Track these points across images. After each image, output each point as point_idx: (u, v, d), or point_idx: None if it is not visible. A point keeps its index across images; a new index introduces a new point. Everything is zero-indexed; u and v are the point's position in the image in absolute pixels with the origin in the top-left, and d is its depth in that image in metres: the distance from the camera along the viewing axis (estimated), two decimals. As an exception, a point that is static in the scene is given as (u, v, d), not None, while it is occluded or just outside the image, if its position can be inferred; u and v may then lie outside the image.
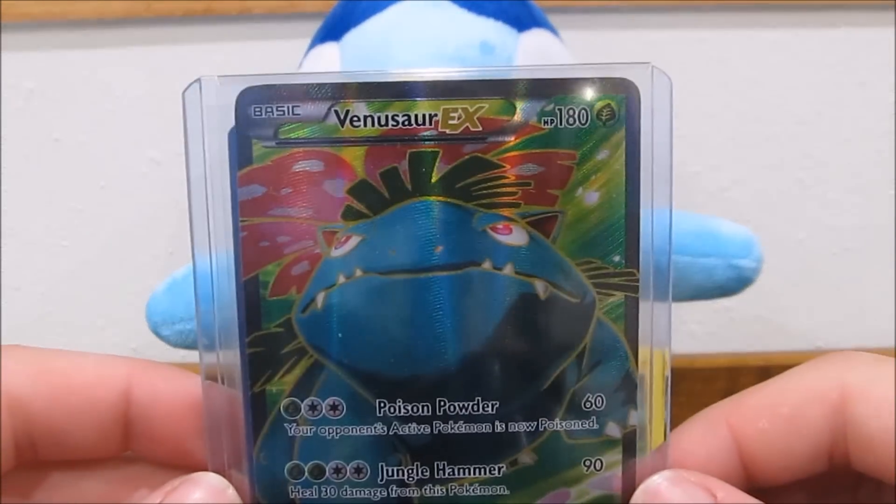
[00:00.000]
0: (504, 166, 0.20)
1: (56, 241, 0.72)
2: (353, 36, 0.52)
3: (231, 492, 0.20)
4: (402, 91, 0.19)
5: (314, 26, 0.57)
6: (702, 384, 0.71)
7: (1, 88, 0.69)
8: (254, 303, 0.20)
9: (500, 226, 0.20)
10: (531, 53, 0.52)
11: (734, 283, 0.57)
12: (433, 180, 0.20)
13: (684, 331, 0.74)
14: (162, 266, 0.72)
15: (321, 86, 0.19)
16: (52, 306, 0.73)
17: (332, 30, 0.54)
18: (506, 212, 0.20)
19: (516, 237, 0.20)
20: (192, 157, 0.20)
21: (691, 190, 0.72)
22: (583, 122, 0.19)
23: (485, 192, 0.20)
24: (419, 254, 0.20)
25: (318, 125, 0.19)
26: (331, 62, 0.52)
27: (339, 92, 0.19)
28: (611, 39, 0.68)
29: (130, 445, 0.21)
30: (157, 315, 0.54)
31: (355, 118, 0.19)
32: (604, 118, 0.19)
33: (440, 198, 0.20)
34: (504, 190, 0.20)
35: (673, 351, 0.64)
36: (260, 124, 0.19)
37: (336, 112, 0.19)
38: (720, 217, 0.59)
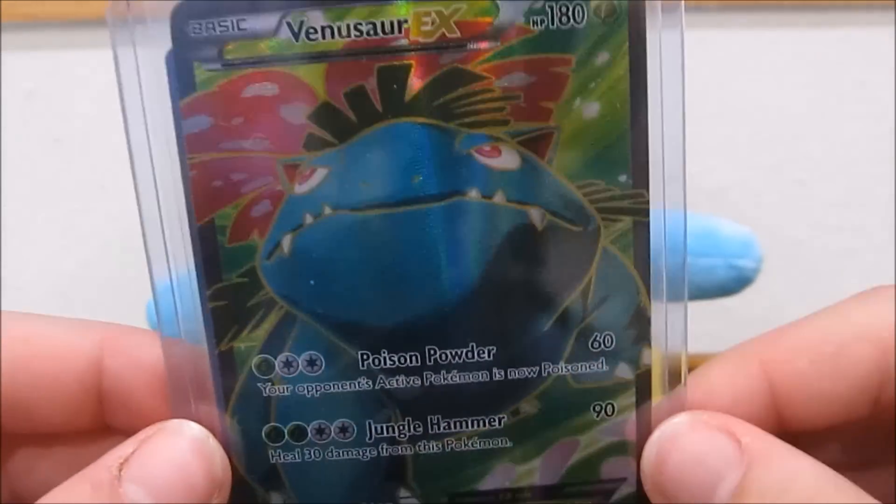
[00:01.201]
0: (488, 77, 0.17)
1: (56, 241, 0.71)
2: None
3: (213, 441, 0.18)
4: None
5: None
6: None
7: (1, 88, 0.67)
8: (212, 251, 0.18)
9: (486, 147, 0.17)
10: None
11: (734, 283, 0.56)
12: (407, 99, 0.17)
13: (684, 330, 0.73)
14: (162, 267, 0.71)
15: (269, -6, 0.17)
16: (52, 306, 0.72)
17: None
18: (493, 131, 0.17)
19: (506, 160, 0.17)
20: (126, 88, 0.17)
21: (691, 190, 0.70)
22: (578, 20, 0.17)
23: (467, 109, 0.17)
24: (395, 185, 0.17)
25: (268, 41, 0.17)
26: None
27: (290, 0, 0.17)
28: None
29: (105, 417, 0.19)
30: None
31: (311, 30, 0.16)
32: (602, 15, 0.17)
33: (416, 119, 0.17)
34: (490, 105, 0.17)
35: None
36: (201, 44, 0.17)
37: (289, 24, 0.16)
38: (720, 217, 0.58)
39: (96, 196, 0.70)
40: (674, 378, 0.19)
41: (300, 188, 0.17)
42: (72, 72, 0.67)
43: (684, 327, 0.19)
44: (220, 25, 0.17)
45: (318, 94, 0.17)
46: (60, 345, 0.19)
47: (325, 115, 0.17)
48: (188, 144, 0.17)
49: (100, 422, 0.19)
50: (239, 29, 0.17)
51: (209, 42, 0.17)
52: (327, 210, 0.17)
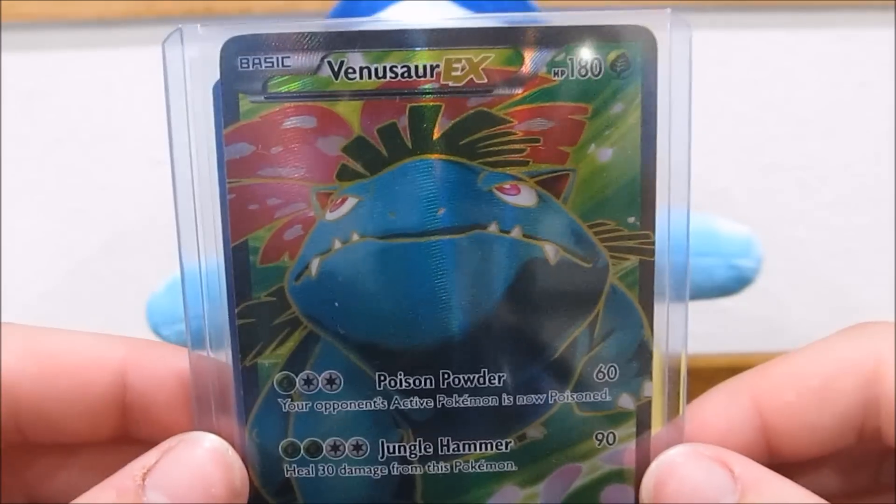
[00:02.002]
0: (511, 121, 0.18)
1: (56, 241, 0.71)
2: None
3: (233, 452, 0.19)
4: (401, 40, 0.18)
5: (312, 28, 0.56)
6: (702, 384, 0.70)
7: (1, 88, 0.68)
8: (243, 270, 0.19)
9: (507, 185, 0.18)
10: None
11: (734, 283, 0.56)
12: (435, 137, 0.18)
13: (684, 331, 0.73)
14: (162, 266, 0.71)
15: (314, 34, 0.18)
16: (52, 306, 0.72)
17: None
18: (513, 170, 0.18)
19: (525, 198, 0.19)
20: (175, 114, 0.18)
21: (691, 190, 0.71)
22: (595, 72, 0.18)
23: (491, 149, 0.18)
24: (421, 216, 0.18)
25: (309, 77, 0.18)
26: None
27: (332, 41, 0.18)
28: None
29: (127, 429, 0.20)
30: (157, 315, 0.54)
31: (350, 70, 0.18)
32: (618, 69, 0.18)
33: (443, 156, 0.18)
34: (511, 147, 0.18)
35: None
36: (247, 77, 0.18)
37: (329, 63, 0.18)
38: (720, 217, 0.59)
39: (96, 196, 0.70)
40: (672, 410, 0.20)
41: (331, 215, 0.18)
42: (72, 72, 0.68)
43: (684, 358, 0.20)
44: (266, 61, 0.18)
45: (354, 128, 0.18)
46: (86, 359, 0.19)
47: (359, 148, 0.18)
48: (229, 169, 0.18)
49: (122, 433, 0.20)
50: (283, 65, 0.18)
51: (255, 76, 0.18)
52: (355, 237, 0.18)
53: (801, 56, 0.69)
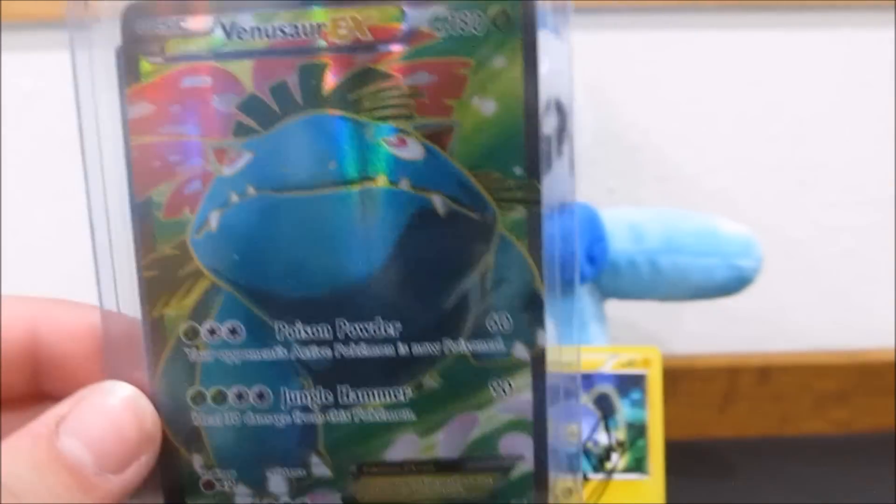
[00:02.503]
0: (396, 76, 0.19)
1: (56, 241, 0.72)
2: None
3: (144, 399, 0.20)
4: (288, 1, 0.19)
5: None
6: (702, 384, 0.70)
7: (1, 88, 0.69)
8: (148, 224, 0.20)
9: (394, 139, 0.19)
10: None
11: (734, 283, 0.56)
12: (324, 93, 0.19)
13: (684, 331, 0.73)
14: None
15: (207, -2, 0.19)
16: None
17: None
18: (399, 124, 0.19)
19: (411, 150, 0.19)
20: (80, 77, 0.19)
21: (691, 190, 0.71)
22: (477, 28, 0.19)
23: (377, 104, 0.19)
24: (312, 170, 0.19)
25: (204, 39, 0.19)
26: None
27: (224, 4, 0.19)
28: (611, 39, 0.68)
29: (40, 386, 0.21)
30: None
31: (242, 30, 0.19)
32: (499, 24, 0.19)
33: (332, 111, 0.19)
34: (397, 101, 0.19)
35: (673, 351, 0.64)
36: (147, 40, 0.19)
37: (222, 24, 0.19)
38: (720, 217, 0.59)
39: None
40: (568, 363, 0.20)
41: (227, 170, 0.19)
42: (71, 72, 0.69)
43: (573, 314, 0.20)
44: (164, 24, 0.19)
45: (247, 86, 0.19)
46: None
47: (252, 105, 0.19)
48: (132, 127, 0.19)
49: (35, 390, 0.21)
50: (179, 28, 0.19)
51: (153, 38, 0.19)
52: (251, 190, 0.19)
53: (801, 56, 0.69)
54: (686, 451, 0.65)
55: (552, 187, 0.19)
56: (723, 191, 0.72)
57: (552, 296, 0.20)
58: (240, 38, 0.19)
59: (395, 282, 0.20)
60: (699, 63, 0.69)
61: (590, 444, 0.49)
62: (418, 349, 0.20)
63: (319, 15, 0.19)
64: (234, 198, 0.19)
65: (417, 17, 0.19)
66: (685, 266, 0.56)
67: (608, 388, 0.50)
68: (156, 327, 0.20)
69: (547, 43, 0.19)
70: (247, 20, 0.19)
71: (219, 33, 0.19)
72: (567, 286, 0.20)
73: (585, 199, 0.68)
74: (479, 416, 0.20)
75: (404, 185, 0.19)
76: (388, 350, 0.20)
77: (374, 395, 0.20)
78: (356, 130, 0.19)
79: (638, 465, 0.50)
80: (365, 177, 0.19)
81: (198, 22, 0.19)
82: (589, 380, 0.50)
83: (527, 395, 0.20)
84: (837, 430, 0.72)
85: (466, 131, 0.19)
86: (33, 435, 0.19)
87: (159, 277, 0.20)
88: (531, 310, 0.20)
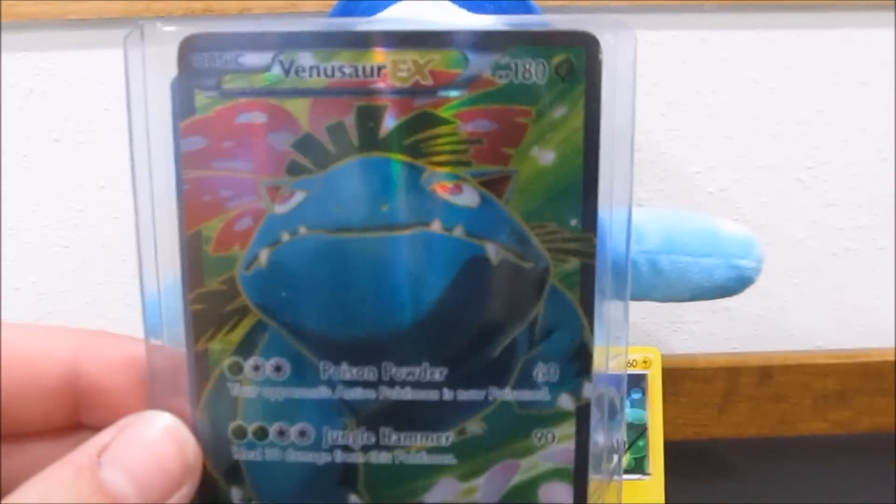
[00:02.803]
0: (455, 122, 0.19)
1: (56, 241, 0.72)
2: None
3: (186, 430, 0.20)
4: (349, 41, 0.18)
5: (313, 25, 0.56)
6: (702, 384, 0.71)
7: (1, 88, 0.69)
8: (196, 259, 0.19)
9: (450, 185, 0.19)
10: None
11: (734, 283, 0.56)
12: (381, 136, 0.19)
13: (684, 331, 0.74)
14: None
15: (266, 34, 0.18)
16: (52, 306, 0.73)
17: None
18: (456, 170, 0.19)
19: (467, 197, 0.19)
20: (134, 107, 0.19)
21: (691, 190, 0.72)
22: (539, 76, 0.19)
23: (434, 149, 0.19)
24: (365, 212, 0.19)
25: (261, 75, 0.19)
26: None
27: (284, 41, 0.18)
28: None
29: (81, 416, 0.21)
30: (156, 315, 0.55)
31: (300, 68, 0.19)
32: (562, 73, 0.19)
33: (388, 154, 0.19)
34: (455, 147, 0.19)
35: (673, 351, 0.64)
36: (203, 73, 0.19)
37: (281, 62, 0.19)
38: (720, 217, 0.59)
39: (96, 196, 0.71)
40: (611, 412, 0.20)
41: (280, 208, 0.19)
42: (72, 72, 0.69)
43: (625, 362, 0.20)
44: (221, 59, 0.19)
45: (303, 125, 0.19)
46: (38, 350, 0.20)
47: (308, 144, 0.19)
48: (184, 161, 0.19)
49: (74, 421, 0.21)
50: (237, 63, 0.19)
51: (210, 72, 0.19)
52: (302, 230, 0.19)
53: (801, 56, 0.69)
54: (686, 451, 0.66)
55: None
56: (723, 191, 0.72)
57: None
58: (298, 76, 0.19)
59: (443, 327, 0.19)
60: (699, 63, 0.69)
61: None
62: (463, 395, 0.20)
63: (380, 56, 0.19)
64: (286, 236, 0.19)
65: (480, 63, 0.19)
66: (685, 266, 0.56)
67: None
68: (200, 360, 0.20)
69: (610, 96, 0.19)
70: (306, 58, 0.19)
71: (277, 70, 0.19)
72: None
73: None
74: (521, 463, 0.20)
75: (458, 231, 0.19)
76: (432, 395, 0.20)
77: (416, 438, 0.20)
78: (412, 175, 0.19)
79: (638, 465, 0.51)
80: (419, 221, 0.19)
81: (256, 58, 0.19)
82: (588, 379, 0.50)
83: (569, 445, 0.20)
84: (837, 430, 0.72)
85: (524, 180, 0.19)
86: (76, 465, 0.19)
87: (206, 311, 0.20)
88: (579, 361, 0.20)
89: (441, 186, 0.19)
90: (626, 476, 0.50)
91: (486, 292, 0.19)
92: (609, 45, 0.19)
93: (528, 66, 0.19)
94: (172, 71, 0.19)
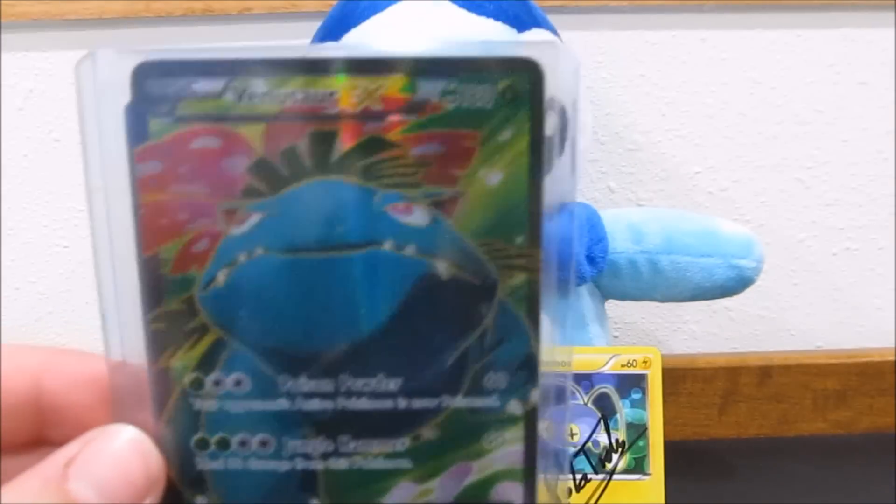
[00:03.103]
0: (405, 146, 0.19)
1: (56, 241, 0.73)
2: (353, 36, 0.52)
3: (150, 443, 0.20)
4: (301, 67, 0.19)
5: (314, 26, 0.56)
6: (702, 384, 0.71)
7: (1, 88, 0.69)
8: (155, 280, 0.20)
9: (400, 206, 0.20)
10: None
11: (734, 283, 0.57)
12: (333, 159, 0.19)
13: (684, 331, 0.74)
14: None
15: (218, 61, 0.19)
16: (52, 306, 0.74)
17: (332, 30, 0.54)
18: (407, 192, 0.20)
19: (417, 217, 0.20)
20: (88, 134, 0.19)
21: (691, 190, 0.72)
22: (486, 101, 0.19)
23: (385, 171, 0.19)
24: (320, 233, 0.20)
25: (214, 101, 0.19)
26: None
27: (236, 67, 0.19)
28: (611, 39, 0.68)
29: (45, 432, 0.21)
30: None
31: (253, 94, 0.19)
32: (507, 98, 0.19)
33: (340, 177, 0.20)
34: (405, 170, 0.19)
35: (673, 351, 0.64)
36: (157, 100, 0.19)
37: (233, 88, 0.19)
38: (720, 217, 0.59)
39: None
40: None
41: (236, 230, 0.20)
42: (72, 72, 0.69)
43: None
44: (175, 85, 0.19)
45: (257, 149, 0.19)
46: (2, 368, 0.21)
47: (262, 168, 0.19)
48: (140, 185, 0.20)
49: (37, 436, 0.22)
50: (190, 89, 0.19)
51: (163, 98, 0.19)
52: (259, 251, 0.20)
53: (801, 56, 0.69)
54: (686, 451, 0.66)
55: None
56: (723, 191, 0.72)
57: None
58: (251, 101, 0.19)
59: (397, 341, 0.20)
60: (699, 63, 0.69)
61: (590, 445, 0.50)
62: (418, 403, 0.21)
63: (332, 83, 0.19)
64: (243, 257, 0.20)
65: (429, 88, 0.19)
66: (685, 266, 0.57)
67: (608, 389, 0.51)
68: (162, 377, 0.20)
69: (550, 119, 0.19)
70: (259, 85, 0.19)
71: (230, 96, 0.19)
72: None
73: (585, 199, 0.68)
74: (474, 465, 0.21)
75: (409, 250, 0.20)
76: (388, 404, 0.21)
77: (373, 444, 0.21)
78: (364, 197, 0.20)
79: (638, 465, 0.51)
80: (371, 241, 0.20)
81: (209, 84, 0.19)
82: (589, 380, 0.51)
83: (519, 447, 0.21)
84: (837, 430, 0.73)
85: (472, 200, 0.20)
86: (43, 477, 0.19)
87: (166, 330, 0.20)
88: (526, 369, 0.21)
89: (392, 207, 0.20)
90: (626, 476, 0.50)
91: (437, 307, 0.20)
92: (552, 71, 0.19)
93: (474, 92, 0.19)
94: (126, 97, 0.19)
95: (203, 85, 0.19)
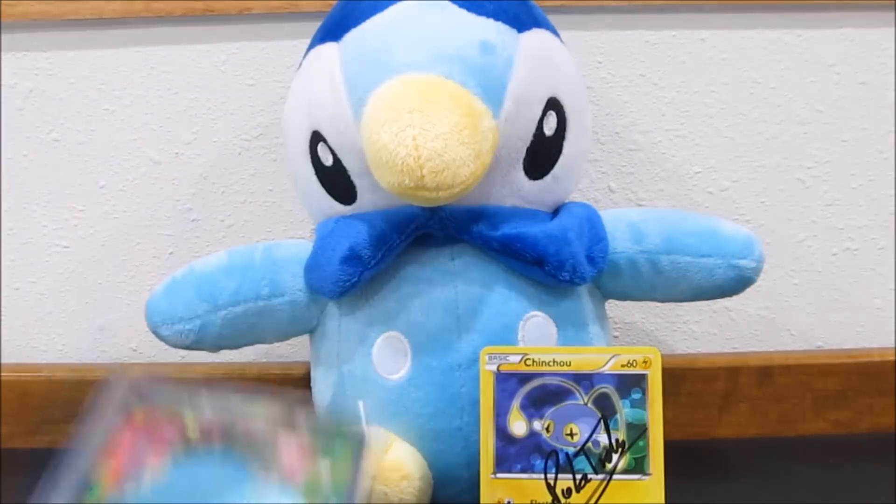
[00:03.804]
0: None
1: (56, 241, 0.73)
2: (354, 36, 0.52)
3: None
4: None
5: (314, 26, 0.56)
6: (702, 384, 0.71)
7: (1, 88, 0.69)
8: None
9: None
10: (531, 53, 0.52)
11: (735, 283, 0.57)
12: None
13: (684, 331, 0.74)
14: (162, 266, 0.73)
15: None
16: (52, 306, 0.74)
17: (333, 30, 0.54)
18: None
19: None
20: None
21: (691, 190, 0.72)
22: None
23: None
24: None
25: None
26: (331, 62, 0.52)
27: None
28: (611, 39, 0.68)
29: None
30: (156, 315, 0.56)
31: None
32: None
33: None
34: None
35: (673, 351, 0.65)
36: None
37: None
38: (720, 217, 0.59)
39: (96, 196, 0.73)
40: None
41: None
42: (72, 72, 0.69)
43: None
44: None
45: None
46: None
47: None
48: None
49: None
50: None
51: None
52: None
53: (801, 56, 0.68)
54: (686, 451, 0.66)
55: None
56: (723, 191, 0.72)
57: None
58: None
59: None
60: (699, 62, 0.69)
61: (590, 445, 0.50)
62: None
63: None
64: None
65: None
66: (685, 266, 0.57)
67: (608, 389, 0.51)
68: None
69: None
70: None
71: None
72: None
73: (585, 199, 0.68)
74: None
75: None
76: None
77: None
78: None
79: (638, 466, 0.51)
80: None
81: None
82: (589, 380, 0.51)
83: None
84: (837, 430, 0.73)
85: None
86: None
87: None
88: None
89: None
90: (626, 476, 0.50)
91: None
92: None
93: None
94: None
95: None
